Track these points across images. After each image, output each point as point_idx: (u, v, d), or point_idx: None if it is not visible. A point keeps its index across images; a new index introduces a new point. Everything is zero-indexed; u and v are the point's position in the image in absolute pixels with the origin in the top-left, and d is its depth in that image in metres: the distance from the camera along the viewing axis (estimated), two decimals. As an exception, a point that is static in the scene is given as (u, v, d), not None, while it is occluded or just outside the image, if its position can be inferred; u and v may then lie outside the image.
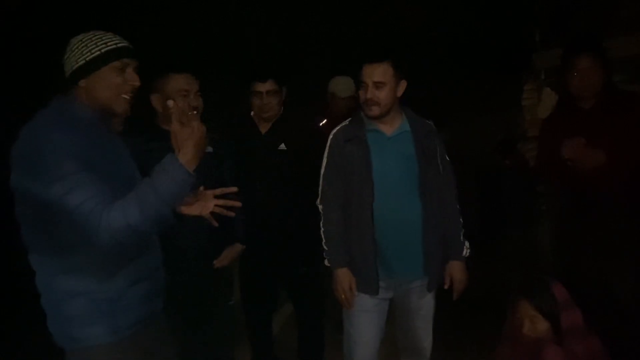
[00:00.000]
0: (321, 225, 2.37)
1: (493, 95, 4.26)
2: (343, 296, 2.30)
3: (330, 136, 2.39)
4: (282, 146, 2.82)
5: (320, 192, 2.39)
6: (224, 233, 2.34)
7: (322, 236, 2.37)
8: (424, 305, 2.39)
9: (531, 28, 3.54)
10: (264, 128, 2.86)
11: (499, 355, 2.18)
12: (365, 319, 2.36)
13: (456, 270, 2.36)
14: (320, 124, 3.49)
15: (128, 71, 1.70)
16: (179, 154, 1.57)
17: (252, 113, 2.91)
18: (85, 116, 1.67)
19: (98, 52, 1.67)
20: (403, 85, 2.27)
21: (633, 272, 2.60)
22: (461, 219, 2.41)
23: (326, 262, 2.35)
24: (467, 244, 2.40)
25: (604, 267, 2.63)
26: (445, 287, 2.36)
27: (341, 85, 3.45)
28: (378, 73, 2.21)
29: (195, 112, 2.26)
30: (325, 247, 2.34)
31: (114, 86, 1.68)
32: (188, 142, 1.59)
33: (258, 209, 2.68)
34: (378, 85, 2.21)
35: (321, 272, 2.88)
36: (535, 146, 3.48)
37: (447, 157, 2.40)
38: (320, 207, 2.39)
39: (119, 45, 1.70)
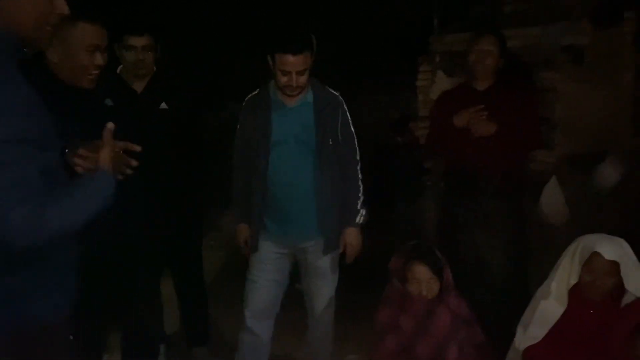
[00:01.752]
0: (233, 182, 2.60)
1: (390, 76, 4.44)
2: (241, 246, 2.60)
3: (244, 102, 2.55)
4: (164, 105, 2.69)
5: (234, 152, 2.59)
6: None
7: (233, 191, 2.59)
8: (321, 266, 2.53)
9: (429, 13, 3.72)
10: (138, 87, 2.66)
11: (382, 316, 2.35)
12: (260, 268, 2.57)
13: (349, 236, 2.51)
14: None
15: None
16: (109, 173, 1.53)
17: (118, 70, 2.69)
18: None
19: None
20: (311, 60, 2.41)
21: (505, 248, 2.88)
22: (360, 188, 2.54)
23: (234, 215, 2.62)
24: (363, 212, 2.54)
25: (479, 240, 2.89)
26: (340, 251, 2.52)
27: None
28: (301, 63, 2.32)
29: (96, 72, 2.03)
30: (233, 201, 2.61)
31: (36, 11, 1.36)
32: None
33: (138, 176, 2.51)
34: (301, 72, 2.33)
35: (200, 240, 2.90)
36: (426, 125, 3.70)
37: (352, 129, 2.52)
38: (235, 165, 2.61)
39: None
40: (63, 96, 1.94)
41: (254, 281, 2.56)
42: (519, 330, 2.37)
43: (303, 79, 2.36)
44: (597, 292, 2.13)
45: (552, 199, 3.30)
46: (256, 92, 2.55)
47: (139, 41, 2.60)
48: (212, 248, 3.13)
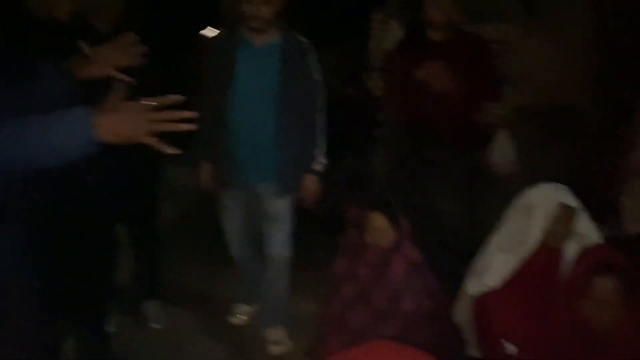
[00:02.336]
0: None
1: (342, 26, 4.34)
2: (205, 185, 2.70)
3: (212, 40, 2.60)
4: None
5: (200, 92, 2.59)
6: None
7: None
8: (278, 210, 2.61)
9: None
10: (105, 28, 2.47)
11: (340, 265, 2.36)
12: (226, 211, 2.75)
13: (307, 182, 2.59)
14: None
15: None
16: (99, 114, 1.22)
17: None
18: None
19: None
20: (283, 1, 2.42)
21: (460, 198, 2.94)
22: (323, 137, 2.57)
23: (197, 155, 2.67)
24: (321, 159, 2.57)
25: (435, 190, 2.93)
26: (299, 196, 2.61)
27: None
28: None
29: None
30: (196, 141, 2.61)
31: None
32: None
33: None
34: (265, 1, 2.33)
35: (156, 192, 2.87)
36: (379, 76, 3.65)
37: (319, 77, 2.54)
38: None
39: None
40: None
41: (226, 218, 2.76)
42: (471, 278, 2.43)
43: (266, 9, 2.35)
44: (562, 239, 2.20)
45: (503, 150, 3.36)
46: (225, 30, 2.57)
47: None
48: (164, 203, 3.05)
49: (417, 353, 1.50)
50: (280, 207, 2.62)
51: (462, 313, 2.46)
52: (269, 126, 2.49)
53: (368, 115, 4.01)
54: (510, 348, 2.29)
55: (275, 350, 2.80)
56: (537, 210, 2.17)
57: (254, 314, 3.05)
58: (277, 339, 2.82)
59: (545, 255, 2.24)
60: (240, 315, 3.05)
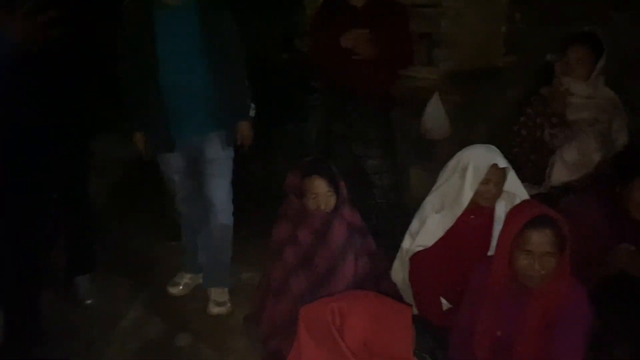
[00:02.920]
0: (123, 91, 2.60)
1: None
2: (143, 154, 2.72)
3: (123, 6, 2.50)
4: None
5: (119, 60, 2.57)
6: None
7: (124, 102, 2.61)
8: (216, 158, 2.68)
9: None
10: None
11: (281, 232, 2.35)
12: (172, 176, 2.78)
13: (243, 128, 2.70)
14: None
15: None
16: None
17: None
18: None
19: None
20: None
21: (380, 159, 2.99)
22: (248, 87, 2.70)
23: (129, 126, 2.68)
24: (253, 106, 2.76)
25: (357, 152, 3.04)
26: (237, 142, 2.72)
27: None
28: None
29: None
30: (127, 112, 2.64)
31: None
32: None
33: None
34: None
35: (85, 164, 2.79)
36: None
37: (235, 30, 2.60)
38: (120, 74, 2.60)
39: None
40: None
41: (171, 179, 2.80)
42: (407, 238, 2.49)
43: None
44: (493, 199, 2.28)
45: (435, 115, 3.44)
46: None
47: None
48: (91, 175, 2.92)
49: (395, 305, 1.52)
50: (219, 155, 2.69)
51: (399, 271, 2.53)
52: (198, 81, 2.54)
53: (302, 80, 3.98)
54: (446, 304, 2.39)
55: (216, 310, 2.82)
56: (470, 171, 2.23)
57: (194, 283, 3.03)
58: (220, 299, 2.85)
59: (477, 214, 2.32)
60: (181, 285, 3.00)
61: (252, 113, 2.76)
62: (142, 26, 2.46)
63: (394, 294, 2.37)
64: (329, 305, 1.45)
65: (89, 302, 2.92)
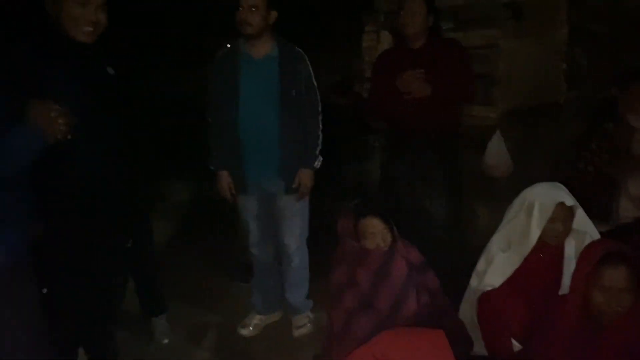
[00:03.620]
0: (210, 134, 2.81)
1: (333, 36, 4.41)
2: (224, 193, 2.85)
3: (214, 58, 2.75)
4: (111, 70, 2.59)
5: (208, 106, 2.80)
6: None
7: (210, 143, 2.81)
8: (287, 207, 2.83)
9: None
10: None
11: (338, 275, 2.38)
12: (247, 215, 2.91)
13: (304, 176, 2.79)
14: None
15: None
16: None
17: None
18: None
19: None
20: (273, 15, 2.66)
21: (442, 198, 3.00)
22: (320, 137, 2.81)
23: (211, 166, 2.85)
24: (320, 158, 2.83)
25: (418, 192, 3.02)
26: (293, 186, 2.80)
27: None
28: None
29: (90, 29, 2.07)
30: (211, 153, 2.84)
31: None
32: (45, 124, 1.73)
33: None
34: (254, 6, 2.56)
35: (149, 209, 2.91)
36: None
37: (314, 82, 2.76)
38: (209, 119, 2.83)
39: None
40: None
41: (245, 221, 2.93)
42: (474, 278, 2.48)
43: (255, 16, 2.59)
44: (561, 237, 2.27)
45: (496, 152, 3.44)
46: (226, 48, 2.76)
47: None
48: (159, 219, 3.07)
49: (427, 332, 1.55)
50: (290, 203, 2.82)
51: (467, 311, 2.51)
52: (273, 129, 2.71)
53: (362, 123, 4.08)
54: (515, 344, 2.36)
55: (298, 333, 3.03)
56: (536, 209, 2.23)
57: (264, 324, 3.11)
58: (301, 323, 3.05)
59: (546, 252, 2.30)
60: (250, 326, 3.08)
61: (317, 164, 2.84)
62: (228, 76, 2.70)
63: (459, 331, 2.35)
64: (370, 350, 1.50)
65: (165, 341, 3.01)
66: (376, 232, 2.31)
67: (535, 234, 2.24)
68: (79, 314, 2.48)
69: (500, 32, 3.49)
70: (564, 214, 2.23)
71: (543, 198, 2.24)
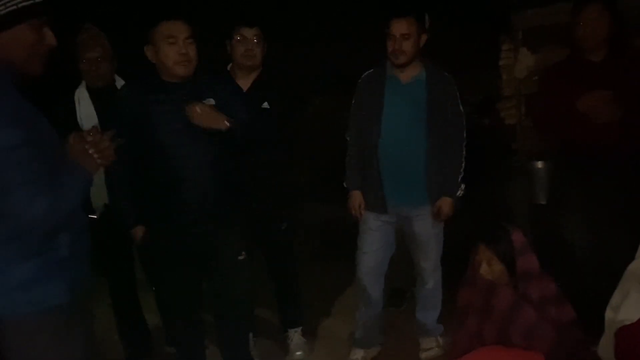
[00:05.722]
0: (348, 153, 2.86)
1: (471, 55, 4.34)
2: (354, 212, 2.86)
3: (360, 79, 2.78)
4: (266, 104, 2.83)
5: (349, 126, 2.86)
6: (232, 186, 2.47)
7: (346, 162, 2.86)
8: (424, 232, 2.81)
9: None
10: (244, 84, 2.83)
11: (461, 296, 2.37)
12: (370, 235, 2.87)
13: (445, 204, 2.76)
14: None
15: (45, 29, 1.60)
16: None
17: (229, 67, 2.87)
18: (7, 74, 1.56)
19: (13, 8, 1.53)
20: (424, 38, 2.65)
21: (620, 229, 2.67)
22: (463, 164, 2.75)
23: (344, 184, 2.90)
24: (462, 186, 2.77)
25: (598, 227, 2.73)
26: (433, 216, 2.77)
27: None
28: (404, 27, 2.58)
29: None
30: (346, 170, 2.88)
31: (28, 46, 1.57)
32: (78, 158, 1.72)
33: (238, 171, 2.60)
34: (405, 36, 2.57)
35: (293, 226, 3.08)
36: (511, 105, 3.61)
37: (461, 107, 2.72)
38: (347, 138, 2.88)
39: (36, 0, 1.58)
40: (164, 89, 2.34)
41: (363, 252, 2.90)
42: (609, 313, 2.29)
43: (408, 45, 2.59)
44: None
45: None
46: (372, 70, 2.79)
47: (249, 32, 2.77)
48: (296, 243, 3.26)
49: (527, 354, 1.50)
50: (428, 227, 2.81)
51: (605, 348, 2.32)
52: (418, 155, 2.70)
53: (503, 144, 3.95)
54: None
55: (426, 355, 3.04)
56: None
57: (370, 357, 3.13)
58: (430, 346, 3.05)
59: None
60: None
61: (460, 193, 2.79)
62: (373, 97, 2.73)
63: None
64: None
65: (299, 353, 3.17)
66: (482, 258, 2.25)
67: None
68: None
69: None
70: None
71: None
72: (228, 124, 2.26)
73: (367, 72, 2.81)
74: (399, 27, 2.57)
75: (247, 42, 2.77)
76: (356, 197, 2.86)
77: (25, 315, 1.61)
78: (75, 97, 2.78)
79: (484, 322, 2.21)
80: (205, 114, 2.24)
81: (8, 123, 1.48)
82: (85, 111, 2.75)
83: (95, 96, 2.78)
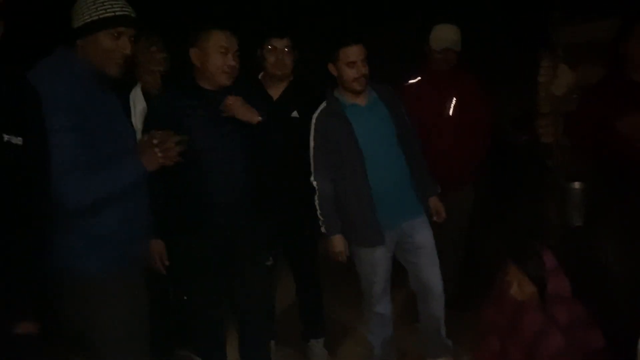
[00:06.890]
0: (316, 198, 2.71)
1: (509, 71, 4.27)
2: (340, 258, 2.75)
3: (313, 120, 2.67)
4: (295, 114, 2.85)
5: (312, 170, 2.69)
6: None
7: (318, 208, 2.70)
8: (425, 242, 2.78)
9: (551, 4, 3.52)
10: (275, 93, 2.86)
11: (484, 315, 2.32)
12: (373, 268, 2.75)
13: (436, 203, 2.87)
14: (412, 82, 3.37)
15: (122, 39, 1.85)
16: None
17: (260, 76, 2.90)
18: (83, 71, 1.85)
19: (96, 17, 1.81)
20: None
21: None
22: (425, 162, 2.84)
23: (323, 230, 2.73)
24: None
25: (636, 253, 2.61)
26: (434, 219, 2.84)
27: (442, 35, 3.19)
28: (362, 51, 2.60)
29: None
30: (321, 217, 2.68)
31: (105, 51, 1.84)
32: (143, 154, 1.92)
33: (267, 178, 2.62)
34: (364, 60, 2.59)
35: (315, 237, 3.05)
36: (549, 123, 3.52)
37: (403, 109, 2.81)
38: (314, 183, 2.67)
39: (117, 13, 1.83)
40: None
41: (373, 282, 2.79)
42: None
43: (366, 68, 2.60)
44: None
45: None
46: (323, 106, 2.69)
47: (280, 43, 2.81)
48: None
49: None
50: (427, 236, 2.80)
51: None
52: (399, 166, 2.72)
53: (538, 161, 3.86)
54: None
55: None
56: None
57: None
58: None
59: None
60: None
61: (439, 189, 2.90)
62: (340, 129, 2.62)
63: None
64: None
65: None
66: (513, 278, 2.19)
67: None
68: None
69: None
70: None
71: None
72: (260, 118, 2.33)
73: (318, 111, 2.68)
74: (359, 52, 2.58)
75: (277, 52, 2.81)
76: (339, 242, 2.72)
77: (75, 279, 1.82)
78: (131, 98, 2.84)
79: (509, 342, 2.16)
80: (238, 106, 2.31)
81: (61, 107, 1.69)
82: (140, 113, 2.80)
83: (149, 98, 2.85)
